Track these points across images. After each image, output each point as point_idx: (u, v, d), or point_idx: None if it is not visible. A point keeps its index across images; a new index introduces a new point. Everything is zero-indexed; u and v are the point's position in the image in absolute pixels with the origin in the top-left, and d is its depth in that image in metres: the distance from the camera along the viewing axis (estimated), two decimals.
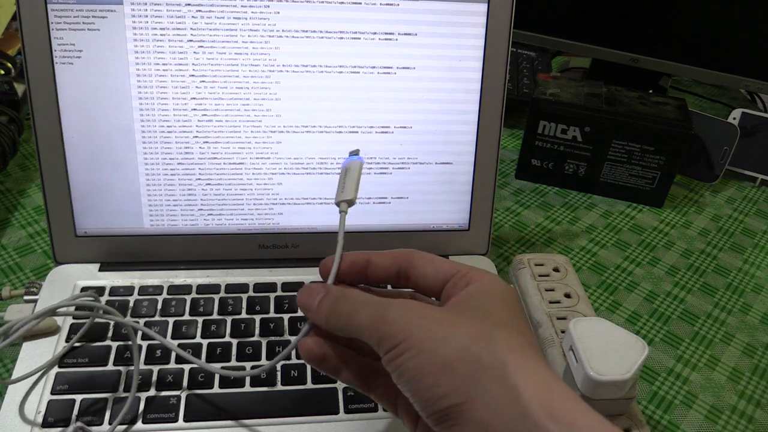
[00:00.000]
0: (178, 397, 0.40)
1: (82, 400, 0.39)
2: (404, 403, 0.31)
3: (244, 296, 0.47)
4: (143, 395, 0.40)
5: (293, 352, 0.44)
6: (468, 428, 0.26)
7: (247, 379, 0.41)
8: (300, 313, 0.47)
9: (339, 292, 0.31)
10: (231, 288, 0.48)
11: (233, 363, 0.42)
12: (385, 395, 0.33)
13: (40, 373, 0.40)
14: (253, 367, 0.42)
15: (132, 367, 0.41)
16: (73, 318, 0.44)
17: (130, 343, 0.43)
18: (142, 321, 0.45)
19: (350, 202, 0.35)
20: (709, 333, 0.53)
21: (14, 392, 0.39)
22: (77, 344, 0.42)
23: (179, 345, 0.43)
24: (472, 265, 0.32)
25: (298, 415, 0.40)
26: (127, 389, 0.40)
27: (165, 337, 0.44)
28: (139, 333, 0.43)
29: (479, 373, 0.26)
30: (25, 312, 0.45)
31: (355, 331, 0.29)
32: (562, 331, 0.46)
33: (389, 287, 0.37)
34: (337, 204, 0.35)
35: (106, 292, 0.47)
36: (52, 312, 0.39)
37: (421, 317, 0.28)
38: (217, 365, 0.41)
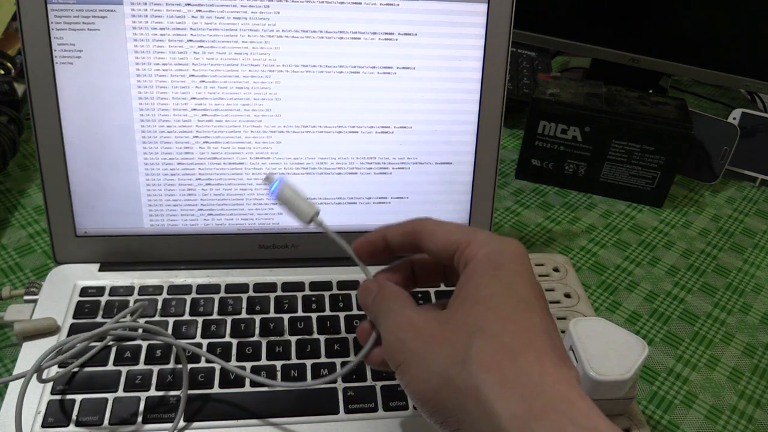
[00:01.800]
0: (178, 397, 0.40)
1: (82, 400, 0.39)
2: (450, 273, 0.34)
3: (244, 296, 0.47)
4: (143, 395, 0.40)
5: (293, 353, 0.44)
6: None
7: (247, 379, 0.41)
8: (299, 313, 0.47)
9: (380, 295, 0.32)
10: (231, 288, 0.48)
11: (233, 363, 0.42)
12: (430, 277, 0.36)
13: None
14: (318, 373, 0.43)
15: (134, 367, 0.41)
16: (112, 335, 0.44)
17: (129, 343, 0.43)
18: (186, 341, 0.45)
19: (316, 214, 0.36)
20: (709, 333, 0.53)
21: (14, 392, 0.39)
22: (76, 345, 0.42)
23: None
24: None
25: (298, 415, 0.40)
26: (130, 389, 0.40)
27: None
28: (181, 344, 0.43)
29: (461, 400, 0.26)
30: (25, 312, 0.45)
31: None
32: (562, 331, 0.46)
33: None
34: (309, 223, 0.36)
35: (106, 292, 0.47)
36: (105, 333, 0.39)
37: (411, 338, 0.29)
38: (278, 382, 0.41)
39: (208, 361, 0.42)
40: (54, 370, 0.41)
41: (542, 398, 0.24)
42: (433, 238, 0.32)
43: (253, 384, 0.41)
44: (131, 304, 0.46)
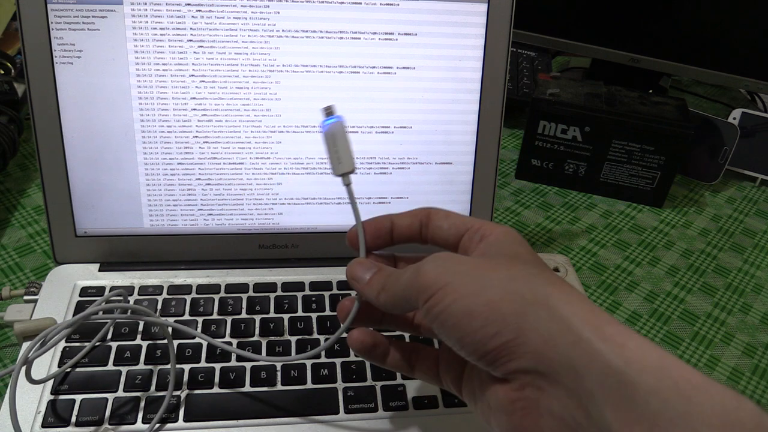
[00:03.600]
0: (178, 397, 0.40)
1: (82, 400, 0.39)
2: (446, 367, 0.34)
3: (244, 296, 0.47)
4: (143, 395, 0.40)
5: (293, 353, 0.44)
6: (523, 361, 0.26)
7: (247, 379, 0.41)
8: (299, 313, 0.47)
9: (391, 270, 0.33)
10: (231, 288, 0.48)
11: (233, 363, 0.42)
12: (427, 369, 0.35)
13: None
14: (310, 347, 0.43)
15: (134, 367, 0.41)
16: (101, 318, 0.44)
17: (129, 342, 0.43)
18: (172, 319, 0.45)
19: (351, 172, 0.34)
20: (709, 333, 0.53)
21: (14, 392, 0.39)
22: (77, 344, 0.42)
23: (179, 345, 0.43)
24: None
25: (298, 415, 0.40)
26: (130, 389, 0.40)
27: (165, 337, 0.44)
28: (171, 330, 0.43)
29: (526, 308, 0.26)
30: (25, 312, 0.45)
31: (400, 295, 0.31)
32: None
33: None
34: (338, 176, 0.34)
35: (106, 292, 0.47)
36: (86, 318, 0.38)
37: (457, 264, 0.29)
38: (277, 359, 0.40)
39: (179, 359, 0.42)
40: (49, 369, 0.41)
41: (604, 314, 0.26)
42: (447, 219, 0.33)
43: (253, 383, 0.41)
44: (131, 304, 0.46)
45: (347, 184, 0.34)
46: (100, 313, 0.38)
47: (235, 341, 0.44)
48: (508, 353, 0.26)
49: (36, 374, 0.39)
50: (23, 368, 0.36)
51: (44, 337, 0.37)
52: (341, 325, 0.35)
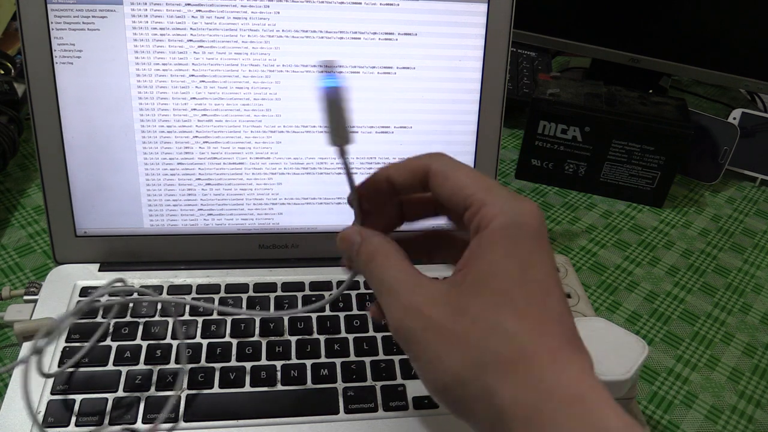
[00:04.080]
0: (178, 397, 0.40)
1: (82, 400, 0.39)
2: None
3: (244, 296, 0.47)
4: (143, 395, 0.40)
5: (293, 353, 0.44)
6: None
7: (247, 379, 0.41)
8: (300, 313, 0.47)
9: (368, 255, 0.29)
10: (231, 288, 0.48)
11: (233, 363, 0.42)
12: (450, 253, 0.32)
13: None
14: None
15: (134, 367, 0.41)
16: (103, 308, 0.44)
17: (129, 342, 0.43)
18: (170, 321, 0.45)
19: (347, 143, 0.30)
20: (709, 333, 0.53)
21: (14, 392, 0.39)
22: (77, 345, 0.42)
23: (179, 344, 0.43)
24: None
25: (298, 415, 0.40)
26: (130, 389, 0.40)
27: (166, 337, 0.44)
28: (187, 309, 0.43)
29: (473, 402, 0.25)
30: (25, 312, 0.45)
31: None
32: None
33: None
34: (335, 146, 0.30)
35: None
36: (92, 302, 0.38)
37: (423, 329, 0.26)
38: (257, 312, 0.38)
39: (179, 359, 0.42)
40: (49, 369, 0.41)
41: (555, 401, 0.24)
42: (445, 183, 0.29)
43: (253, 383, 0.41)
44: (131, 304, 0.46)
45: (342, 154, 0.30)
46: (105, 298, 0.38)
47: (235, 341, 0.44)
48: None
49: (37, 377, 0.39)
50: (35, 359, 0.36)
51: (49, 329, 0.37)
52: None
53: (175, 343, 0.43)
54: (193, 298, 0.47)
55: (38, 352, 0.36)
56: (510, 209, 0.27)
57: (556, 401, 0.23)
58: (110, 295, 0.40)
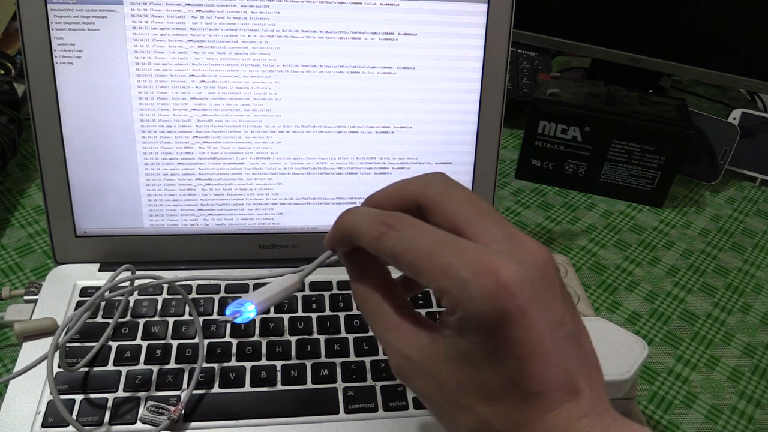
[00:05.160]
0: (178, 397, 0.40)
1: (82, 400, 0.39)
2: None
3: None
4: (143, 395, 0.40)
5: (293, 353, 0.44)
6: None
7: (247, 379, 0.41)
8: (299, 313, 0.47)
9: (357, 298, 0.29)
10: (231, 288, 0.48)
11: (233, 363, 0.42)
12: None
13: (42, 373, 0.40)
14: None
15: (134, 367, 0.41)
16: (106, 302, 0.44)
17: (129, 342, 0.43)
18: (172, 320, 0.45)
19: (300, 281, 0.32)
20: (709, 333, 0.53)
21: (14, 392, 0.39)
22: (77, 345, 0.42)
23: (179, 345, 0.43)
24: None
25: (298, 415, 0.40)
26: (130, 389, 0.40)
27: (166, 337, 0.44)
28: (192, 289, 0.43)
29: None
30: (25, 312, 0.45)
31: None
32: None
33: None
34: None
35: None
36: (101, 296, 0.39)
37: (419, 378, 0.26)
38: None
39: (179, 359, 0.42)
40: (54, 368, 0.40)
41: None
42: (401, 267, 0.26)
43: (253, 383, 0.41)
44: (131, 304, 0.46)
45: (304, 277, 0.32)
46: (122, 283, 0.39)
47: (235, 341, 0.44)
48: None
49: (37, 377, 0.39)
50: (57, 354, 0.37)
51: (67, 324, 0.37)
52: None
53: (175, 343, 0.43)
54: (193, 299, 0.47)
55: (59, 348, 0.37)
56: (468, 297, 0.23)
57: None
58: (116, 288, 0.41)
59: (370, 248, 0.27)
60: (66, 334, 0.38)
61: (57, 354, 0.37)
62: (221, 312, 0.46)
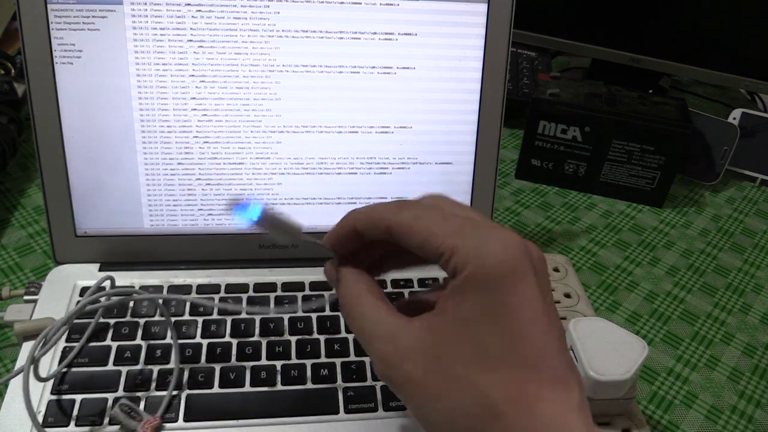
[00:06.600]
0: (178, 397, 0.40)
1: (82, 400, 0.39)
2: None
3: (244, 296, 0.47)
4: (143, 395, 0.40)
5: (293, 353, 0.44)
6: None
7: (247, 379, 0.41)
8: (299, 313, 0.47)
9: (342, 299, 0.30)
10: (231, 288, 0.48)
11: (233, 363, 0.42)
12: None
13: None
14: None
15: (134, 367, 0.41)
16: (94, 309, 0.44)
17: (129, 342, 0.43)
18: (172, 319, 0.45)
19: (300, 231, 0.31)
20: (709, 333, 0.53)
21: (14, 392, 0.39)
22: (76, 344, 0.42)
23: (179, 345, 0.43)
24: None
25: (298, 415, 0.40)
26: (130, 389, 0.40)
27: (166, 337, 0.44)
28: (188, 306, 0.43)
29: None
30: (25, 312, 0.45)
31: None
32: None
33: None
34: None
35: (107, 289, 0.47)
36: (86, 305, 0.39)
37: (403, 381, 0.26)
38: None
39: (179, 359, 0.42)
40: (50, 369, 0.41)
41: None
42: (411, 236, 0.27)
43: (253, 383, 0.41)
44: (131, 304, 0.46)
45: (307, 239, 0.31)
46: (101, 301, 0.38)
47: (235, 341, 0.44)
48: None
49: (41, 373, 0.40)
50: (32, 367, 0.36)
51: (45, 335, 0.37)
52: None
53: (176, 342, 0.43)
54: (192, 298, 0.47)
55: (34, 361, 0.37)
56: (481, 253, 0.25)
57: None
58: (100, 298, 0.40)
59: (385, 221, 0.28)
60: (43, 347, 0.37)
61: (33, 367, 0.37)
62: (221, 311, 0.46)
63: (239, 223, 0.29)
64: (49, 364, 0.41)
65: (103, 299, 0.42)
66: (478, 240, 0.25)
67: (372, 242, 0.30)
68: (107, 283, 0.43)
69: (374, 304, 0.28)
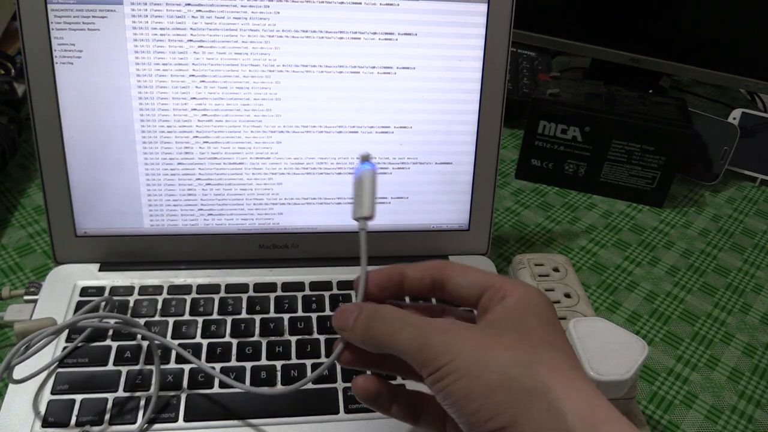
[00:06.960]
0: (178, 397, 0.40)
1: (82, 400, 0.39)
2: (453, 425, 0.32)
3: (244, 296, 0.47)
4: (143, 395, 0.40)
5: (293, 353, 0.44)
6: None
7: (247, 379, 0.41)
8: (299, 313, 0.47)
9: (372, 310, 0.31)
10: (231, 288, 0.48)
11: (233, 363, 0.42)
12: (433, 422, 0.33)
13: (43, 373, 0.40)
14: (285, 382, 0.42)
15: (134, 367, 0.41)
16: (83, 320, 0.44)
17: (129, 342, 0.43)
18: (142, 321, 0.45)
19: (369, 218, 0.34)
20: (709, 333, 0.53)
21: (14, 392, 0.39)
22: (78, 344, 0.42)
23: (179, 345, 0.43)
24: (473, 265, 0.32)
25: (298, 415, 0.40)
26: (130, 389, 0.40)
27: (166, 337, 0.44)
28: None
29: (523, 396, 0.26)
30: (25, 312, 0.45)
31: (396, 350, 0.30)
32: None
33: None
34: (356, 220, 0.34)
35: (106, 292, 0.47)
36: (78, 321, 0.39)
37: (462, 341, 0.28)
38: (257, 388, 0.38)
39: (179, 359, 0.42)
40: (27, 370, 0.40)
41: (606, 407, 0.26)
42: (465, 274, 0.32)
43: (253, 383, 0.41)
44: (131, 304, 0.46)
45: (362, 229, 0.34)
46: (94, 320, 0.38)
47: (235, 341, 0.44)
48: None
49: (37, 377, 0.39)
50: (6, 373, 0.36)
51: (28, 342, 0.37)
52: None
53: (176, 342, 0.43)
54: (193, 299, 0.47)
55: (9, 368, 0.36)
56: (525, 289, 0.31)
57: (608, 406, 0.26)
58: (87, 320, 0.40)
59: (440, 263, 0.33)
60: (22, 354, 0.37)
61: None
62: (221, 311, 0.46)
63: (359, 169, 0.34)
64: (49, 364, 0.41)
65: (100, 310, 0.42)
66: (522, 283, 0.31)
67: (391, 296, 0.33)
68: (107, 283, 0.42)
69: (433, 322, 0.31)
